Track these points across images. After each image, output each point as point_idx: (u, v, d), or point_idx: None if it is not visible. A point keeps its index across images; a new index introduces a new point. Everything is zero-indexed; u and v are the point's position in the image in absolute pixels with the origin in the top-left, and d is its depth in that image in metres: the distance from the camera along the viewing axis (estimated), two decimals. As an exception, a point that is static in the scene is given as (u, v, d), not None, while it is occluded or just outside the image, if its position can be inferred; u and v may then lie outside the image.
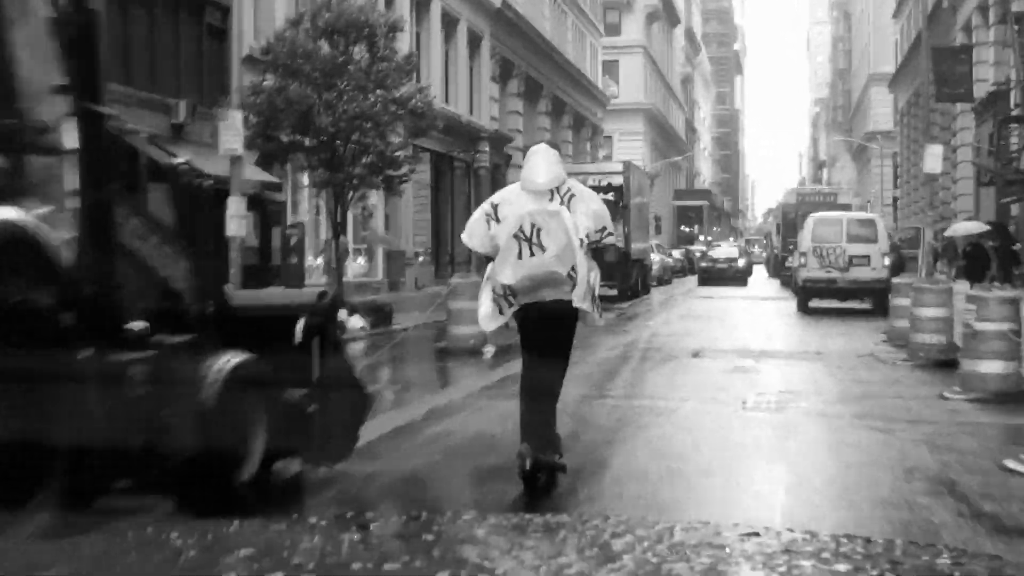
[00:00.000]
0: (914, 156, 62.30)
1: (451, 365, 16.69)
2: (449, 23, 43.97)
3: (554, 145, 8.25)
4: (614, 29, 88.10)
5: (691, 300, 35.50)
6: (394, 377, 15.44)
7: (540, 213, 7.55)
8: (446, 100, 43.66)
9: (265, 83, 22.81)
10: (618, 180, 33.60)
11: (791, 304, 31.86)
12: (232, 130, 17.57)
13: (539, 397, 7.69)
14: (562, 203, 7.61)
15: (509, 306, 7.64)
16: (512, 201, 7.74)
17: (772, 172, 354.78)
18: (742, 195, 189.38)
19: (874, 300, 29.15)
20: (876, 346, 18.78)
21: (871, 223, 29.53)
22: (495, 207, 7.79)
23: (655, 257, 46.81)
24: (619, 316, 26.71)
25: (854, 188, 48.43)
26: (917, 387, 13.64)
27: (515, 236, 7.53)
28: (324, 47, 23.13)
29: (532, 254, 7.50)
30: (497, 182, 48.97)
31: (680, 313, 28.87)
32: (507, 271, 7.56)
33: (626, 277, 33.24)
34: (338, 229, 24.08)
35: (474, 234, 7.88)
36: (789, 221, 45.88)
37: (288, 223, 22.09)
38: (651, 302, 34.77)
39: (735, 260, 48.48)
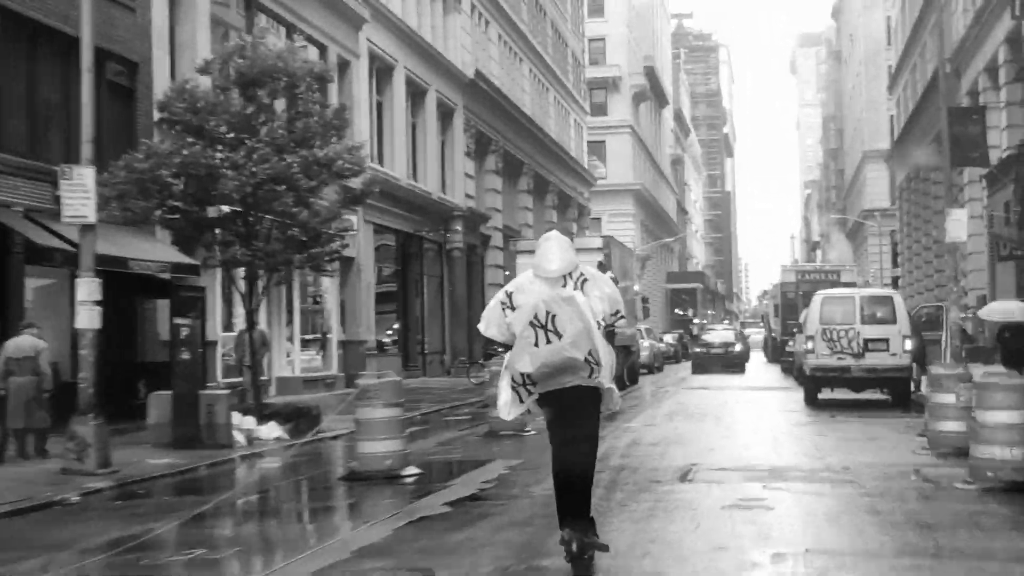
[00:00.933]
0: (916, 232, 58.35)
1: (352, 502, 12.21)
2: (416, 93, 40.03)
3: (566, 232, 7.97)
4: (601, 109, 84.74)
5: (683, 392, 31.05)
6: (243, 532, 10.88)
7: (554, 300, 7.61)
8: (413, 176, 39.57)
9: (163, 145, 18.64)
10: (597, 258, 29.36)
11: (796, 396, 27.46)
12: (80, 192, 13.28)
13: (575, 480, 7.69)
14: (576, 288, 7.68)
15: (528, 394, 7.69)
16: (526, 289, 7.77)
17: (765, 255, 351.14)
18: (736, 278, 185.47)
19: (893, 390, 24.75)
20: (917, 457, 14.35)
21: (888, 301, 25.13)
22: (510, 295, 7.83)
23: (644, 343, 42.43)
24: (597, 415, 22.32)
25: (855, 267, 44.07)
26: (1008, 532, 9.24)
27: (531, 324, 7.58)
28: (235, 99, 19.00)
29: (548, 341, 7.55)
30: (473, 264, 44.75)
31: (669, 409, 24.42)
32: (525, 359, 7.59)
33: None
34: (252, 317, 19.72)
35: (491, 323, 7.87)
36: (788, 301, 41.64)
37: (192, 314, 17.80)
38: (638, 395, 30.35)
39: (731, 345, 44.04)
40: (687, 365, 49.71)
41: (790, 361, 40.07)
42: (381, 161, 36.64)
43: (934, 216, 52.77)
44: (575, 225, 65.69)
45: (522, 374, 7.60)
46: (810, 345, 24.70)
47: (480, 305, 39.34)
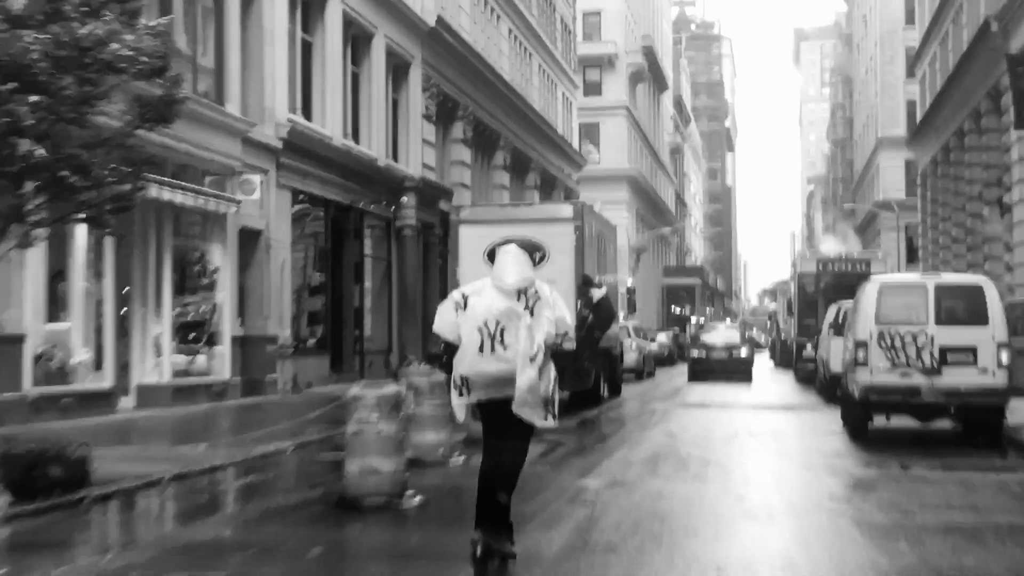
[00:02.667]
0: (944, 223, 50.59)
1: None
2: (359, 36, 32.25)
3: (529, 246, 8.25)
4: (595, 89, 76.98)
5: (675, 412, 23.11)
6: None
7: (507, 313, 7.69)
8: (353, 136, 31.79)
9: None
10: (567, 229, 21.68)
11: (829, 420, 19.82)
12: None
13: (498, 485, 7.77)
14: (527, 306, 7.74)
15: (461, 396, 7.76)
16: (481, 293, 7.85)
17: (764, 253, 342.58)
18: (735, 276, 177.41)
19: (978, 421, 16.93)
20: None
21: (977, 293, 16.97)
22: (465, 297, 7.90)
23: (630, 344, 34.66)
24: (545, 455, 14.54)
25: (886, 257, 35.91)
26: None
27: (479, 329, 7.68)
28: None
29: (493, 349, 7.64)
30: (431, 246, 36.86)
31: (654, 447, 16.45)
32: (466, 361, 7.70)
33: (580, 376, 21.16)
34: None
35: (443, 320, 7.93)
36: (807, 297, 33.85)
37: None
38: (617, 414, 22.62)
39: (736, 348, 36.18)
40: (682, 369, 41.92)
41: (808, 369, 32.36)
42: (307, 114, 28.90)
43: (968, 203, 45.07)
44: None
45: (461, 376, 7.73)
46: (861, 355, 16.73)
47: (438, 295, 31.67)
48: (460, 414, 7.88)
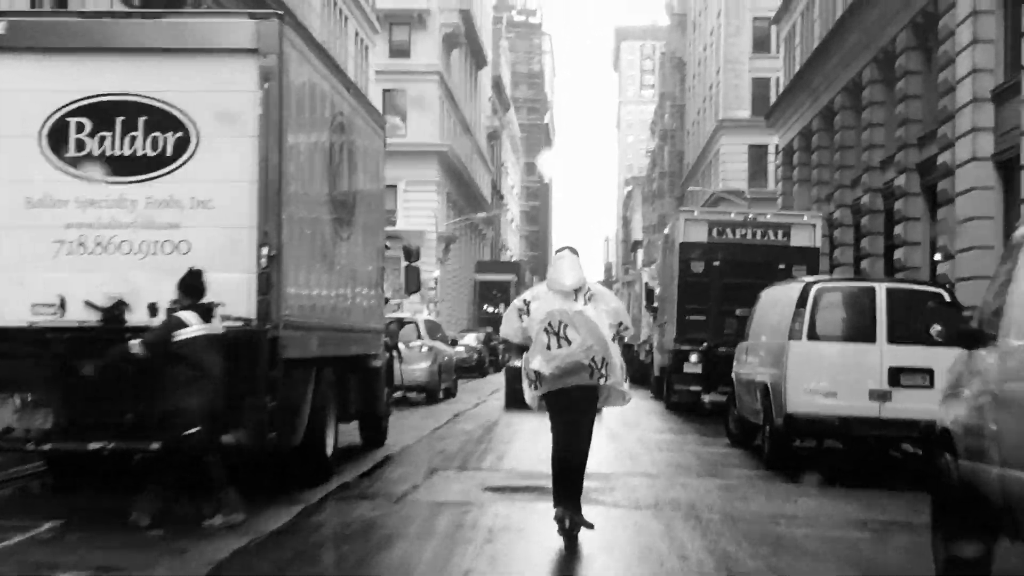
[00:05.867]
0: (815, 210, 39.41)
1: None
2: None
3: (574, 251, 8.85)
4: (402, 50, 63.71)
5: (466, 511, 9.94)
6: None
7: (567, 311, 8.45)
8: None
9: None
10: (235, 86, 8.55)
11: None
12: None
13: (571, 468, 8.64)
14: (585, 303, 8.53)
15: (535, 389, 8.63)
16: (541, 298, 8.68)
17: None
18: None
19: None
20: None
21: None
22: (527, 303, 8.72)
23: (418, 347, 21.69)
24: None
25: (817, 217, 22.97)
26: None
27: (545, 330, 8.45)
28: None
29: (560, 346, 8.39)
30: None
31: None
32: (537, 358, 8.49)
33: (253, 412, 8.32)
34: None
35: (509, 325, 8.87)
36: (692, 282, 21.22)
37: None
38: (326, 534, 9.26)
39: None
40: (496, 383, 28.96)
41: (691, 391, 20.02)
42: None
43: (847, 191, 34.00)
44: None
45: (535, 371, 8.46)
46: (776, 375, 11.90)
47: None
48: (534, 404, 8.74)
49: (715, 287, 20.90)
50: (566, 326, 8.33)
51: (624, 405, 8.95)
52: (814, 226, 21.18)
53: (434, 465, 12.81)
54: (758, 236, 21.03)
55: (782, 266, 20.74)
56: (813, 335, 12.62)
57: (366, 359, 13.25)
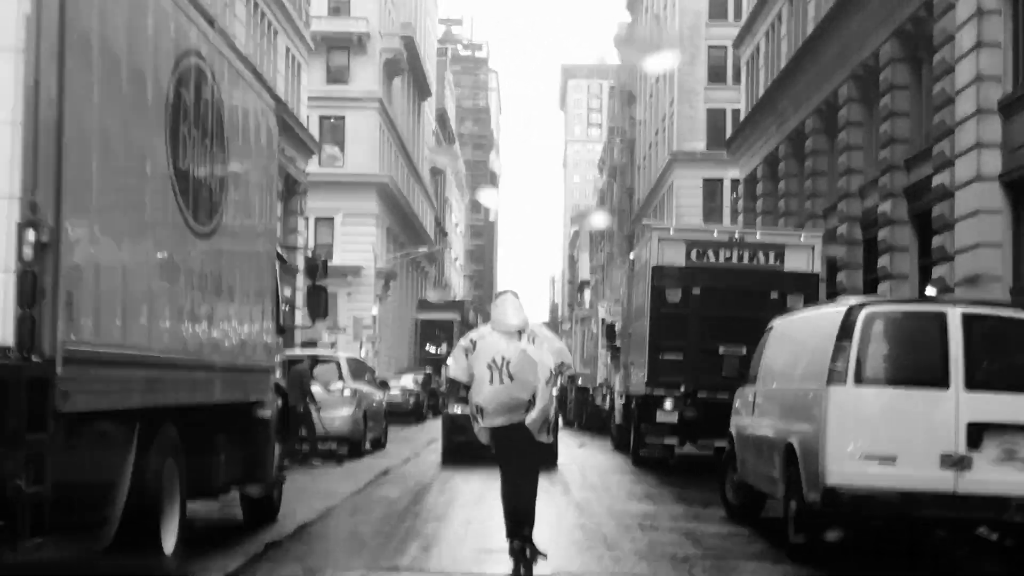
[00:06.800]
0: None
1: None
2: None
3: (515, 295, 9.17)
4: (340, 75, 60.11)
5: None
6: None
7: (509, 350, 8.63)
8: None
9: None
10: None
11: None
12: None
13: (520, 506, 8.82)
14: (529, 342, 8.73)
15: (477, 422, 8.84)
16: (486, 337, 8.89)
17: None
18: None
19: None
20: None
21: None
22: (473, 342, 8.90)
23: (338, 390, 17.94)
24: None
25: (816, 236, 19.29)
26: None
27: (488, 366, 8.63)
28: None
29: (502, 382, 8.57)
30: None
31: None
32: (481, 394, 8.68)
33: None
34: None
35: (457, 364, 8.98)
36: (665, 313, 17.51)
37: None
38: None
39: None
40: (433, 431, 25.05)
41: (664, 445, 16.45)
42: None
43: (812, 220, 30.75)
44: (280, 207, 40.66)
45: (476, 405, 8.70)
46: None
47: None
48: (483, 438, 8.94)
49: (694, 320, 17.25)
50: (509, 363, 8.57)
51: (546, 440, 8.91)
52: (812, 248, 17.61)
53: (333, 560, 9.02)
54: (746, 259, 17.41)
55: (774, 295, 17.26)
56: (861, 378, 9.03)
57: (244, 409, 9.48)
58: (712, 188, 60.47)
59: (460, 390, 9.54)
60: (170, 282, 7.34)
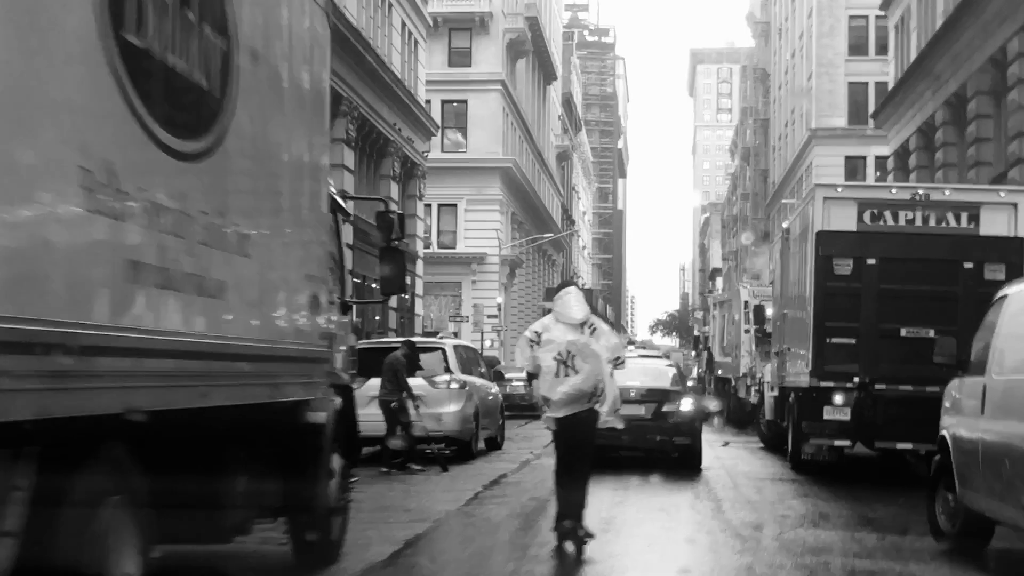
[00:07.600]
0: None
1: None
2: None
3: (579, 287, 10.02)
4: (463, 58, 57.58)
5: None
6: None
7: (575, 343, 9.06)
8: None
9: None
10: None
11: None
12: None
13: (573, 486, 9.24)
14: (589, 335, 9.15)
15: (544, 412, 9.33)
16: (551, 329, 9.22)
17: (651, 288, 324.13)
18: (622, 310, 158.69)
19: None
20: None
21: None
22: (538, 334, 9.22)
23: (444, 383, 15.31)
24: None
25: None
26: None
27: (555, 359, 9.05)
28: None
29: (567, 374, 9.03)
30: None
31: None
32: (546, 385, 9.09)
33: None
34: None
35: (521, 355, 9.49)
36: (833, 292, 14.32)
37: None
38: None
39: (668, 397, 16.35)
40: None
41: (833, 447, 13.31)
42: None
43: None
44: (398, 185, 38.27)
45: (543, 396, 9.12)
46: None
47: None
48: (549, 425, 9.31)
49: (869, 296, 14.03)
50: (575, 356, 8.98)
51: (617, 426, 9.48)
52: (1015, 206, 14.21)
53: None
54: (932, 221, 14.10)
55: (969, 265, 13.99)
56: None
57: (279, 412, 6.72)
58: (854, 166, 56.45)
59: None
60: (142, 228, 4.60)
